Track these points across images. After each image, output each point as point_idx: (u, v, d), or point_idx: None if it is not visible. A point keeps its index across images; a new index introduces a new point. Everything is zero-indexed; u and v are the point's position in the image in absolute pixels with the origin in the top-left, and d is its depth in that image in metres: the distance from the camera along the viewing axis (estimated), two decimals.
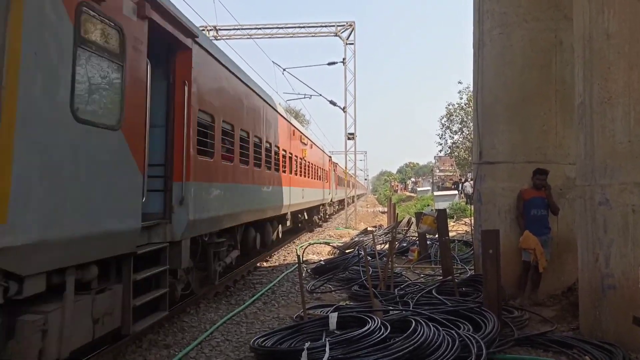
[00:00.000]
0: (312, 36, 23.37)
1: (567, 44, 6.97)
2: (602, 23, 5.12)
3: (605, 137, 5.10)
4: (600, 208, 5.12)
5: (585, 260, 5.36)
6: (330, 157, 25.90)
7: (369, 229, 18.99)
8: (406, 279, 8.51)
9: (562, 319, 6.08)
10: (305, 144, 16.13)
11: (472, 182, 11.57)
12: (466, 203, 24.77)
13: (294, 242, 15.86)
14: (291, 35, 23.40)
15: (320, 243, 15.39)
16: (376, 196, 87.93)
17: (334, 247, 13.83)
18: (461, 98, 32.11)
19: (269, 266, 11.38)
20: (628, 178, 4.94)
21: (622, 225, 4.95)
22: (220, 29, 22.89)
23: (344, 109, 23.22)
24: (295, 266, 10.30)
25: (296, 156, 14.54)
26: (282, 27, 23.26)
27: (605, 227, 5.07)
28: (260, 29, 23.28)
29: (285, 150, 12.71)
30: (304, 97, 25.85)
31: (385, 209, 30.82)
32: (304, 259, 11.46)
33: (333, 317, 5.12)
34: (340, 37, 22.88)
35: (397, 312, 5.74)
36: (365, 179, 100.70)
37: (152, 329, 6.01)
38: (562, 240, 6.93)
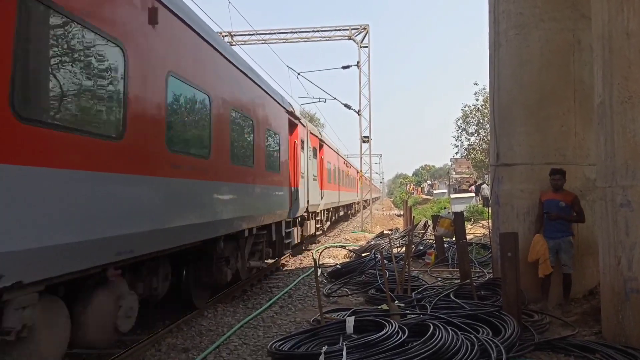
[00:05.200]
0: (326, 40, 23.44)
1: (585, 44, 6.88)
2: (622, 22, 5.04)
3: (626, 137, 5.01)
4: (622, 210, 5.02)
5: (607, 264, 5.26)
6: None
7: (385, 232, 18.91)
8: (423, 282, 8.44)
9: (583, 323, 5.97)
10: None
11: (489, 184, 11.45)
12: (483, 205, 24.52)
13: (310, 246, 15.86)
14: (305, 39, 23.48)
15: (336, 246, 15.37)
16: (392, 199, 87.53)
17: (350, 251, 13.80)
18: (477, 99, 31.94)
19: (286, 270, 11.40)
20: None
21: None
22: (235, 35, 23.07)
23: (358, 112, 23.19)
24: (312, 270, 10.30)
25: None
26: (296, 32, 23.36)
27: (627, 230, 4.98)
28: (274, 34, 23.41)
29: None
30: (319, 101, 25.90)
31: (401, 212, 30.66)
32: (320, 262, 11.46)
33: (350, 321, 5.11)
34: (354, 41, 22.89)
35: (414, 316, 5.69)
36: (381, 182, 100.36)
37: (170, 332, 6.07)
38: (582, 243, 6.82)
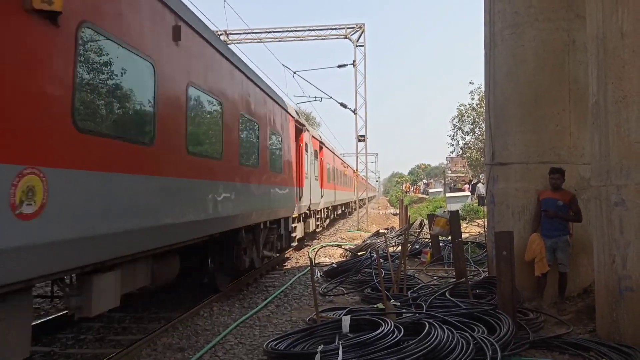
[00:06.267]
0: (322, 39, 23.41)
1: (580, 44, 6.91)
2: (616, 22, 5.07)
3: (620, 136, 5.04)
4: (616, 209, 5.05)
5: (602, 262, 5.29)
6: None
7: (380, 231, 18.94)
8: (419, 281, 8.46)
9: (578, 322, 6.00)
10: None
11: (485, 183, 11.48)
12: (479, 204, 24.59)
13: (306, 245, 15.87)
14: (301, 38, 23.45)
15: (332, 245, 15.38)
16: (387, 198, 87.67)
17: (346, 250, 13.82)
18: (473, 98, 31.96)
19: (281, 269, 11.40)
20: None
21: (638, 226, 4.88)
22: (230, 34, 23.03)
23: (354, 111, 23.20)
24: (308, 269, 10.30)
25: None
26: (292, 31, 23.33)
27: (621, 228, 5.01)
28: (270, 32, 23.38)
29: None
30: (315, 100, 25.87)
31: (397, 211, 30.71)
32: (316, 261, 11.46)
33: (346, 320, 5.12)
34: (350, 40, 22.88)
35: (410, 314, 5.71)
36: (377, 181, 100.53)
37: (166, 332, 6.06)
38: (577, 241, 6.85)
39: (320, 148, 17.98)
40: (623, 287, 4.98)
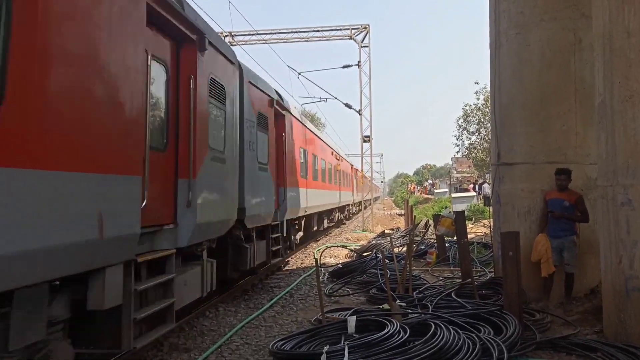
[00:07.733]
0: (327, 40, 23.42)
1: (586, 43, 6.88)
2: (623, 21, 5.04)
3: (627, 136, 5.01)
4: (623, 208, 5.02)
5: (609, 262, 5.27)
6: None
7: (386, 231, 18.91)
8: (425, 282, 8.45)
9: (585, 322, 5.97)
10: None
11: (490, 183, 11.45)
12: (484, 204, 24.50)
13: (311, 246, 15.88)
14: (306, 39, 23.46)
15: (337, 246, 15.38)
16: (393, 198, 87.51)
17: (351, 250, 13.81)
18: (478, 98, 31.81)
19: (287, 270, 11.41)
20: None
21: None
22: (236, 35, 23.07)
23: (359, 112, 23.19)
24: (313, 270, 10.31)
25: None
26: (296, 32, 23.34)
27: (628, 228, 4.98)
28: (275, 33, 23.40)
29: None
30: (320, 101, 25.84)
31: (402, 212, 30.64)
32: (322, 262, 11.47)
33: (351, 321, 5.11)
34: (355, 40, 22.87)
35: (416, 315, 5.70)
36: (382, 182, 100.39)
37: (172, 332, 6.08)
38: (583, 241, 6.82)
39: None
40: (630, 288, 4.96)
